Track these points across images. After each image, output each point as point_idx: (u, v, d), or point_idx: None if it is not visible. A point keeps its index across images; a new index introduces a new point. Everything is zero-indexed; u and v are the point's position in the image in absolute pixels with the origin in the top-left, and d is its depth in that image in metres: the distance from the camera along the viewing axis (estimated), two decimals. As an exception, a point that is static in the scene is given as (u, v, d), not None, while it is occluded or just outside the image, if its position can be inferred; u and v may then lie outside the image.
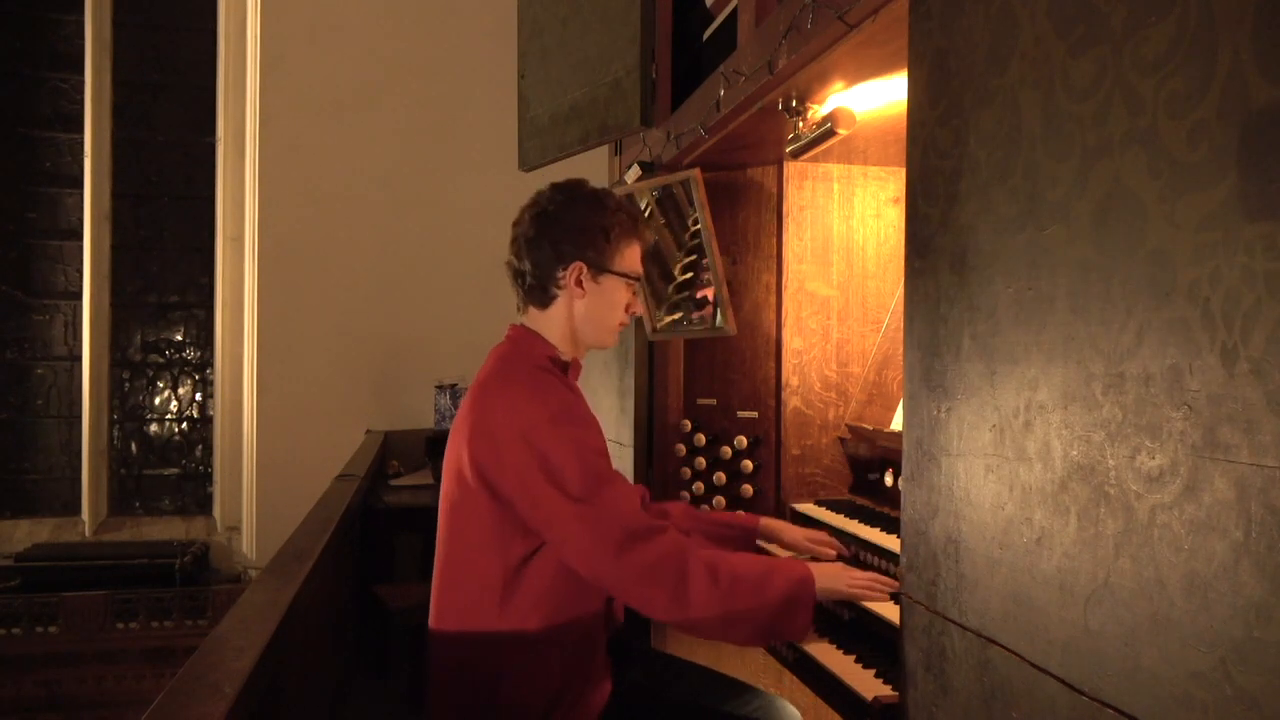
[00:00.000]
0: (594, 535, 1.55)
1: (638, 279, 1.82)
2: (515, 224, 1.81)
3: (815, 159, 2.33)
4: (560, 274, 1.74)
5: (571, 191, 1.79)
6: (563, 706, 1.66)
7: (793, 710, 1.88)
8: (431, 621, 1.73)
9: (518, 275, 1.79)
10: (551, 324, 1.78)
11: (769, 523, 2.08)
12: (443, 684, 1.70)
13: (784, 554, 2.07)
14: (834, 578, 1.70)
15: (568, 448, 1.57)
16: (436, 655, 1.72)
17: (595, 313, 1.77)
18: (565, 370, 1.77)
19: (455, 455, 1.68)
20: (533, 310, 1.80)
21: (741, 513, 2.12)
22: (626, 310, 1.81)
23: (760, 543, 2.10)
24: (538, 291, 1.77)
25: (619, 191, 2.60)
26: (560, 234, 1.74)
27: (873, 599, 1.66)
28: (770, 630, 1.63)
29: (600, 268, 1.75)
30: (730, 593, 1.57)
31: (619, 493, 1.60)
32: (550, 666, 1.65)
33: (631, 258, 1.80)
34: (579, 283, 1.75)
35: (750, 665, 2.48)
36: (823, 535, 2.02)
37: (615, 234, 1.76)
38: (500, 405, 1.62)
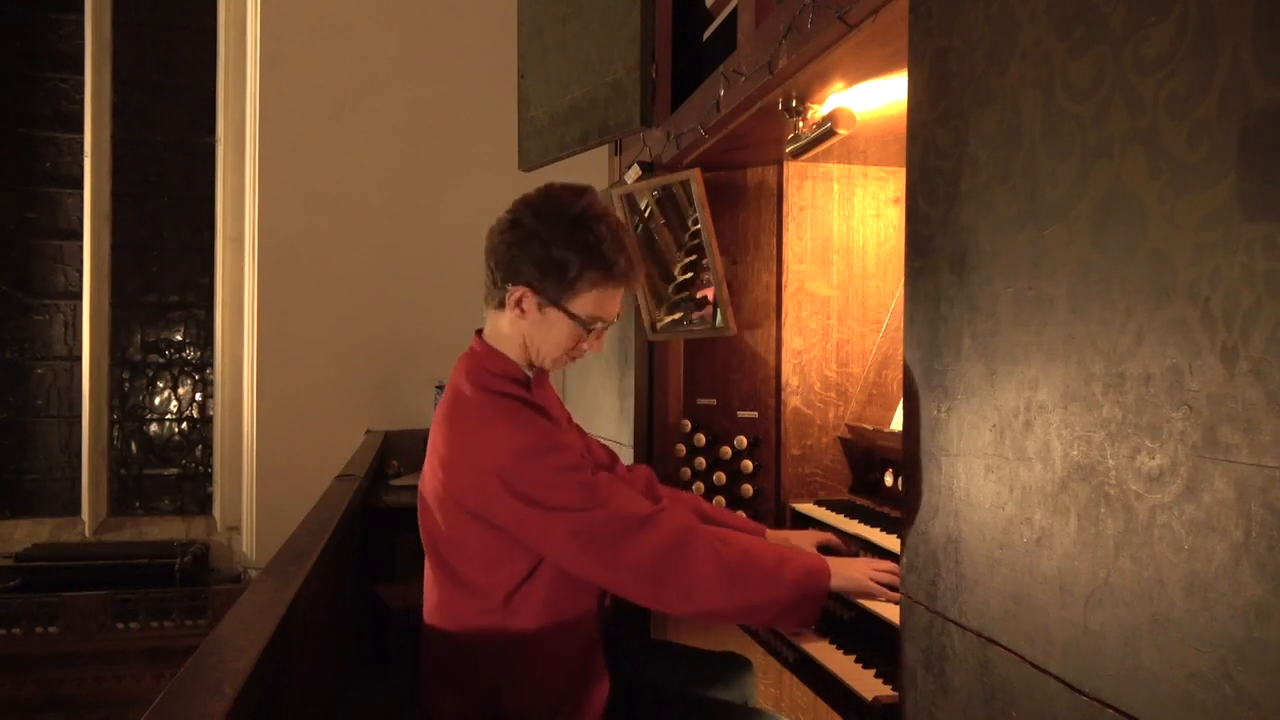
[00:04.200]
0: (587, 544, 1.53)
1: (588, 327, 1.66)
2: (501, 216, 1.70)
3: (815, 159, 2.33)
4: (507, 289, 1.64)
5: (558, 211, 1.63)
6: (565, 709, 1.66)
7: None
8: (427, 637, 1.71)
9: (486, 267, 1.70)
10: (504, 331, 1.69)
11: (775, 535, 2.06)
12: (438, 698, 1.69)
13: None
14: (857, 569, 1.69)
15: (548, 476, 1.53)
16: (431, 668, 1.71)
17: (535, 338, 1.67)
18: (529, 386, 1.70)
19: (437, 481, 1.64)
20: (491, 310, 1.72)
21: (746, 518, 2.12)
22: (572, 351, 1.69)
23: None
24: (491, 291, 1.70)
25: (619, 191, 2.60)
26: (521, 250, 1.62)
27: (893, 595, 1.66)
28: (779, 620, 1.66)
29: (549, 300, 1.63)
30: (737, 582, 1.56)
31: (610, 492, 1.56)
32: (551, 672, 1.65)
33: (595, 302, 1.64)
34: (519, 304, 1.64)
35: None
36: (833, 540, 2.02)
37: (586, 274, 1.61)
38: (471, 446, 1.57)
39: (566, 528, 1.52)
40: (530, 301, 1.64)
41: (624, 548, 1.53)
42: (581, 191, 1.66)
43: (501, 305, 1.68)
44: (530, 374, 1.72)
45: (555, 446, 1.57)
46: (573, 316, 1.64)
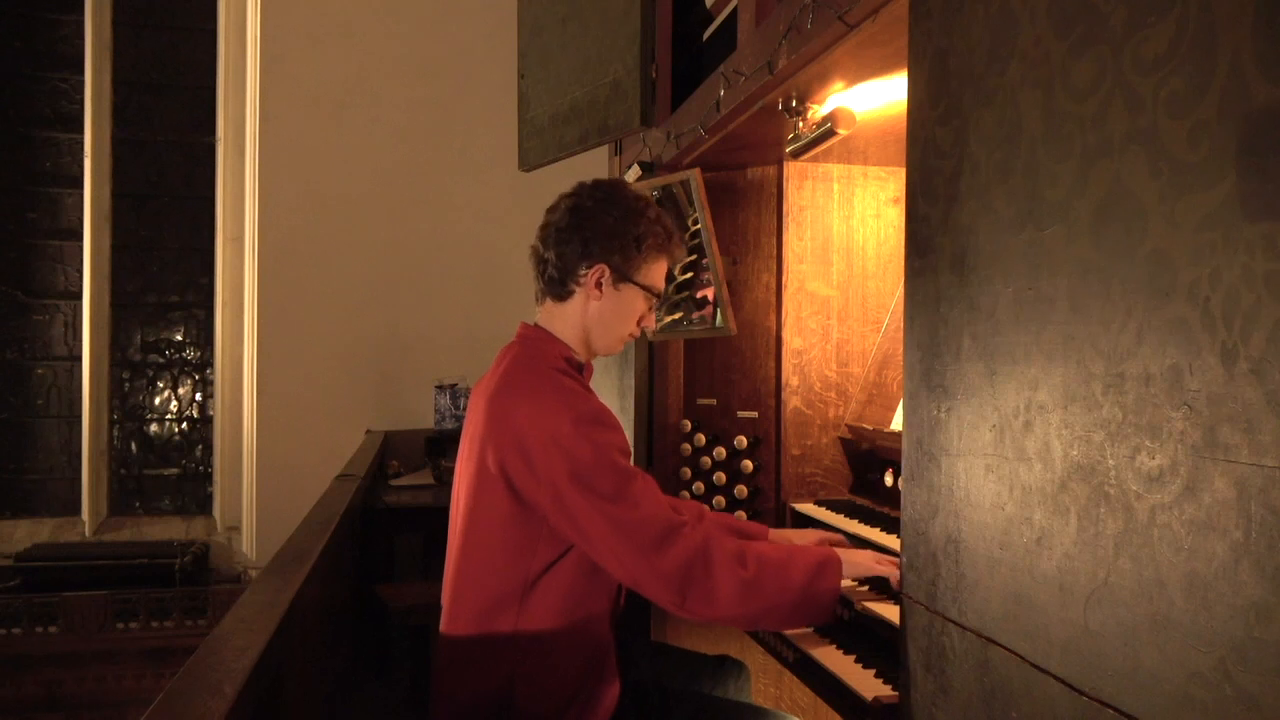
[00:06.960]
0: (625, 538, 1.54)
1: (657, 295, 1.79)
2: (550, 210, 1.78)
3: (815, 159, 2.33)
4: (583, 272, 1.72)
5: (613, 192, 1.76)
6: (575, 708, 1.66)
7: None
8: (443, 626, 1.72)
9: (541, 263, 1.76)
10: (566, 321, 1.75)
11: (779, 534, 2.06)
12: (451, 687, 1.69)
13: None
14: (861, 555, 1.71)
15: (596, 451, 1.56)
16: (446, 658, 1.71)
17: (607, 318, 1.74)
18: (580, 371, 1.76)
19: (475, 460, 1.66)
20: (549, 303, 1.77)
21: (748, 520, 2.13)
22: (639, 323, 1.79)
23: None
24: (556, 284, 1.74)
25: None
26: (592, 231, 1.71)
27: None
28: (794, 620, 1.65)
29: (623, 275, 1.73)
30: (756, 590, 1.57)
31: (646, 493, 1.59)
32: (563, 669, 1.65)
33: (657, 273, 1.77)
34: (598, 284, 1.72)
35: (750, 665, 2.47)
36: (834, 538, 2.02)
37: (647, 245, 1.73)
38: (525, 411, 1.59)
39: (607, 518, 1.54)
40: (607, 278, 1.72)
41: (655, 552, 1.54)
42: (620, 179, 1.82)
43: (564, 296, 1.74)
44: (582, 362, 1.77)
45: (608, 425, 1.62)
46: (644, 288, 1.75)
